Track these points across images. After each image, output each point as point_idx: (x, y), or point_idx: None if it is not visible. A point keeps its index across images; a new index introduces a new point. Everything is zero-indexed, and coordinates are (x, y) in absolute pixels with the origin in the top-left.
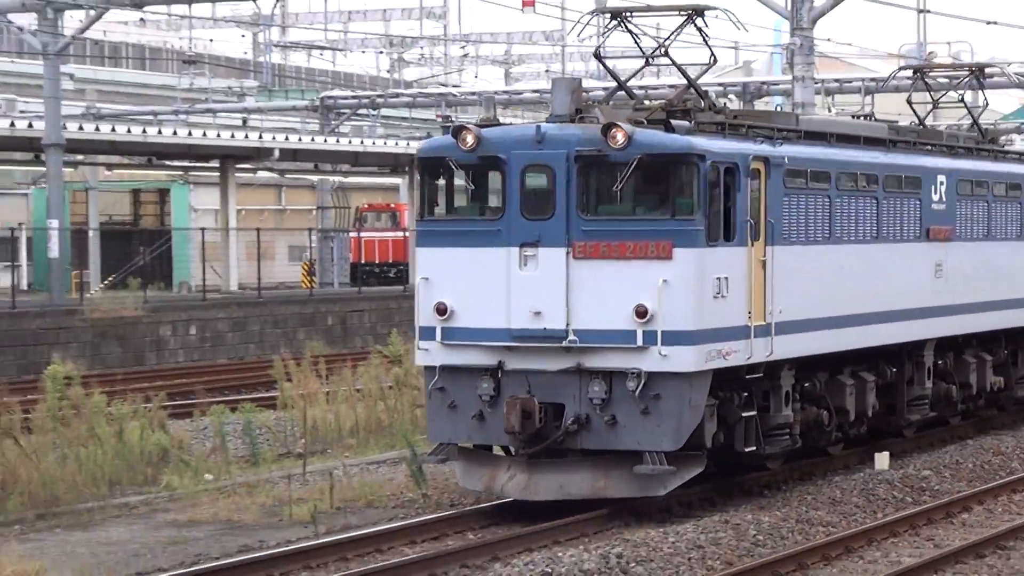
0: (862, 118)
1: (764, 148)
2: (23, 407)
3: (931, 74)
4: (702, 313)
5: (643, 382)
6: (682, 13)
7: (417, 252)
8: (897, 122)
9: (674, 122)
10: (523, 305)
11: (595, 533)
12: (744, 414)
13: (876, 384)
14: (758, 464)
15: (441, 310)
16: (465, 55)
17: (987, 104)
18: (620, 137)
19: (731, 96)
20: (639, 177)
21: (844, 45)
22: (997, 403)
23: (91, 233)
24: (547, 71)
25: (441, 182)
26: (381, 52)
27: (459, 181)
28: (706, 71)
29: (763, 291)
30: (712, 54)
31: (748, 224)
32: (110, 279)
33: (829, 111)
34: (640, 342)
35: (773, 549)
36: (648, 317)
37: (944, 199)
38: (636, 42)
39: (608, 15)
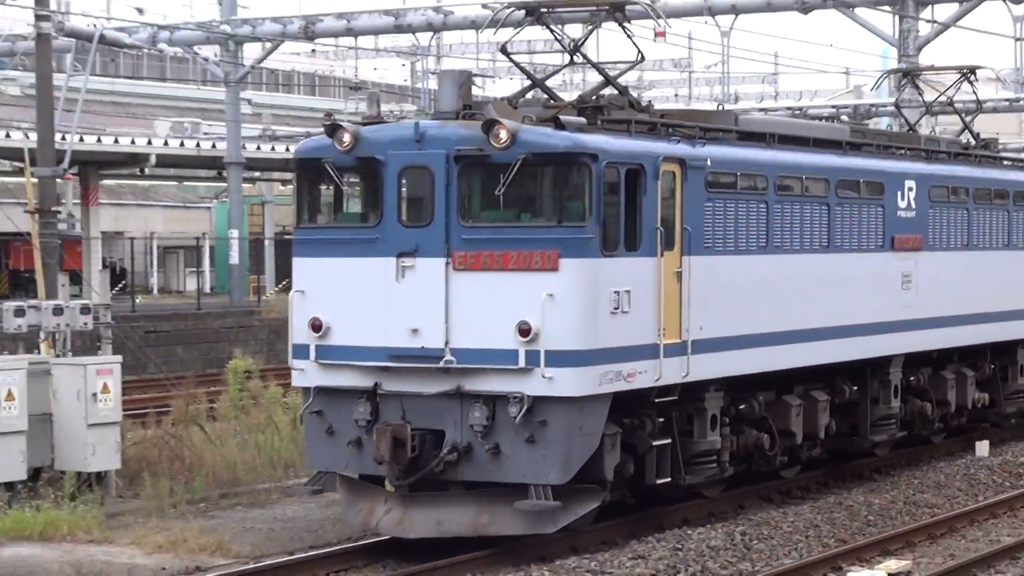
0: (824, 120)
1: (680, 148)
2: (208, 397)
3: (921, 77)
4: (595, 331)
5: (526, 408)
6: (601, 8)
7: (294, 263)
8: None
9: (564, 118)
10: (400, 321)
11: (720, 513)
12: (655, 443)
13: (830, 404)
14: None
15: (316, 326)
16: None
17: (980, 108)
18: (503, 135)
19: (844, 117)
20: (524, 179)
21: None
22: (984, 419)
23: (266, 242)
24: (676, 95)
25: (319, 185)
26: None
27: (345, 186)
28: (630, 68)
29: (678, 306)
30: (639, 51)
31: (658, 232)
32: (284, 283)
33: (933, 131)
34: (523, 363)
35: (882, 528)
36: (532, 335)
37: (913, 206)
38: (557, 38)
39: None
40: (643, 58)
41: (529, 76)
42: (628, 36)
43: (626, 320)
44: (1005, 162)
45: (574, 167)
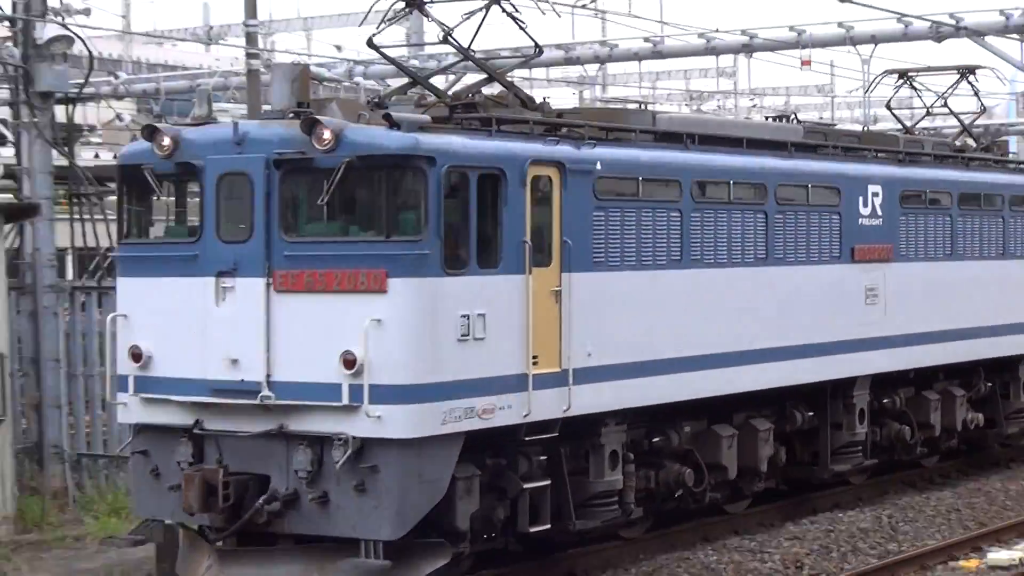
0: (777, 120)
1: (559, 150)
2: None
3: (919, 78)
4: (434, 361)
5: (352, 451)
6: None
7: (117, 283)
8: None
9: (400, 116)
10: (220, 350)
11: (868, 498)
12: (527, 485)
13: (777, 432)
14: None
15: (136, 356)
16: (753, 106)
17: (983, 109)
18: (325, 135)
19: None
20: (351, 186)
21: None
22: (984, 440)
23: None
24: (820, 118)
25: (141, 195)
26: (685, 104)
27: (164, 195)
28: (526, 62)
29: (557, 329)
30: (536, 44)
31: (525, 246)
32: None
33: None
34: (346, 399)
35: (1019, 513)
36: (356, 367)
37: (880, 213)
38: (448, 33)
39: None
40: (541, 52)
41: (407, 72)
42: (520, 27)
43: (480, 348)
44: (1010, 165)
45: (407, 172)
